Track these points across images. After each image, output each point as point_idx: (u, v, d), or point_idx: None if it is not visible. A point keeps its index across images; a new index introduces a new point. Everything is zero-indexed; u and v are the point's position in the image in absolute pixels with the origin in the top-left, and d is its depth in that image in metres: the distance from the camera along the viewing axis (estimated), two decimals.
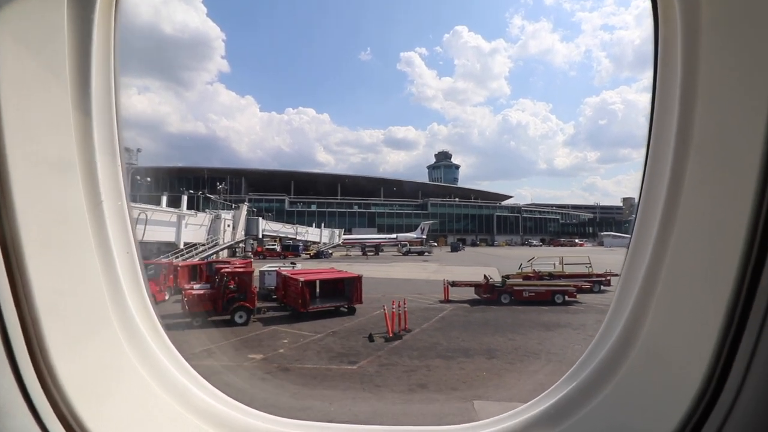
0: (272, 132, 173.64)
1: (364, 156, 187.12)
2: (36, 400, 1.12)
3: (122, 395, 1.34)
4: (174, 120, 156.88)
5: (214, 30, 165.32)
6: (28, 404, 1.11)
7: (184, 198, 29.25)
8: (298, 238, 54.30)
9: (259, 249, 51.32)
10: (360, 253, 59.90)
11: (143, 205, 25.73)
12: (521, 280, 22.45)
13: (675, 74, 1.10)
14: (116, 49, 1.35)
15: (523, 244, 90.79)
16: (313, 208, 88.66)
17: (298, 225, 54.62)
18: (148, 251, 35.48)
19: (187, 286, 17.58)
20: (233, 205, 45.28)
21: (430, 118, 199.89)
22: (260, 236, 44.25)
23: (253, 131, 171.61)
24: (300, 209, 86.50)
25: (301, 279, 16.34)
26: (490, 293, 19.92)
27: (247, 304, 15.69)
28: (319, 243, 55.49)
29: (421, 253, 58.66)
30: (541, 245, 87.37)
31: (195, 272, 23.88)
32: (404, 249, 60.55)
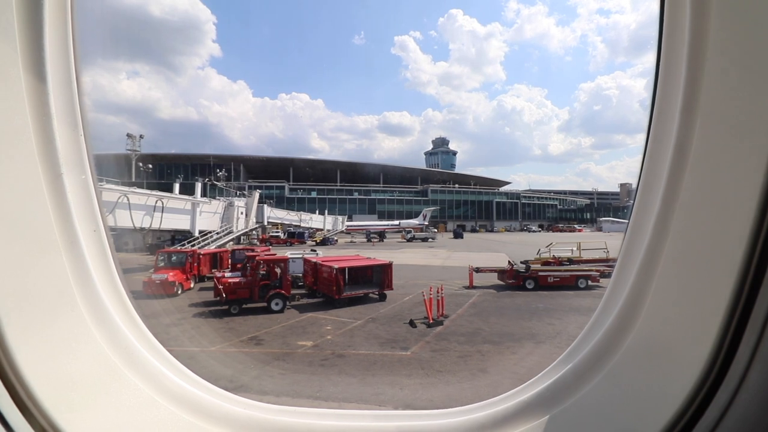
0: (265, 118, 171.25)
1: (358, 142, 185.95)
2: None
3: (88, 381, 1.26)
4: (165, 106, 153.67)
5: (204, 12, 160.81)
6: None
7: (198, 185, 28.77)
8: (302, 225, 54.10)
9: (264, 236, 51.07)
10: (364, 240, 60.03)
11: (160, 193, 25.29)
12: (540, 265, 22.73)
13: (681, 51, 1.04)
14: (74, 12, 1.27)
15: (522, 230, 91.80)
16: (314, 194, 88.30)
17: (301, 212, 54.33)
18: (159, 239, 35.13)
19: (218, 274, 17.46)
20: (237, 193, 44.81)
21: (425, 104, 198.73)
22: (265, 223, 43.98)
23: (245, 117, 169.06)
24: (300, 196, 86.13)
25: (336, 266, 16.31)
26: (514, 279, 20.14)
27: (283, 292, 15.66)
28: (322, 230, 55.42)
29: (425, 240, 59.00)
30: (540, 231, 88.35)
31: (216, 260, 23.75)
32: (408, 235, 60.76)
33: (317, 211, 58.97)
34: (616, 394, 1.21)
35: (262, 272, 15.95)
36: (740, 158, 0.92)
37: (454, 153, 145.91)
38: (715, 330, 0.94)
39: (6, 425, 1.05)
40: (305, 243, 51.12)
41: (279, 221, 51.74)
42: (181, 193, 28.27)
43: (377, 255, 25.53)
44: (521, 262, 21.91)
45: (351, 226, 65.16)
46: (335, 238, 56.37)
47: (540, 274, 20.11)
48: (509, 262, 21.43)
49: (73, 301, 1.24)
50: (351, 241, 58.41)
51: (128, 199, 22.68)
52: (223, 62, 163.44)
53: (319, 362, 10.43)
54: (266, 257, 17.03)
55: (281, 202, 70.15)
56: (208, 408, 1.40)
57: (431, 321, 13.88)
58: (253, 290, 15.52)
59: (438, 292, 14.88)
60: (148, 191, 24.61)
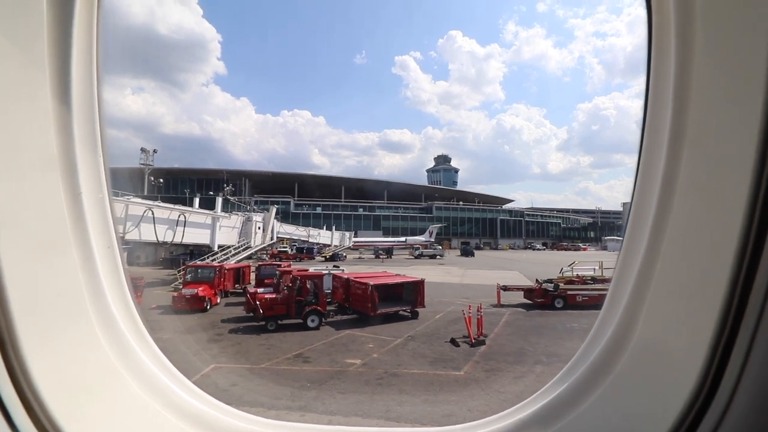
0: (267, 134, 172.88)
1: (359, 159, 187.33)
2: (6, 399, 1.08)
3: (99, 393, 1.30)
4: (168, 121, 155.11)
5: (210, 31, 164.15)
6: None
7: (219, 200, 28.78)
8: (311, 240, 53.91)
9: (273, 252, 50.77)
10: (372, 256, 59.76)
11: (183, 207, 25.27)
12: (564, 284, 22.66)
13: (668, 75, 1.11)
14: (98, 43, 1.34)
15: (526, 248, 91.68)
16: (318, 210, 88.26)
17: (309, 227, 54.23)
18: (172, 253, 34.86)
19: (251, 290, 17.30)
20: (248, 207, 44.78)
21: (425, 122, 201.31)
22: (275, 239, 43.84)
23: (248, 133, 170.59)
24: (305, 211, 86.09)
25: (371, 283, 16.24)
26: (543, 297, 20.06)
27: (319, 308, 15.53)
28: (330, 245, 55.16)
29: (433, 257, 58.75)
30: (544, 249, 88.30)
31: (239, 275, 23.59)
32: (417, 252, 60.58)
33: (324, 227, 58.77)
34: (614, 410, 1.22)
35: (292, 288, 15.86)
36: (730, 172, 0.97)
37: (456, 170, 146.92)
38: (709, 339, 0.97)
39: (12, 425, 1.08)
40: (314, 258, 50.86)
41: (288, 236, 51.54)
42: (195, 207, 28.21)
43: (391, 271, 25.50)
44: (545, 281, 21.86)
45: (358, 242, 64.90)
46: (344, 254, 56.11)
47: (569, 293, 20.04)
48: (537, 280, 21.37)
49: (85, 311, 1.29)
50: (359, 257, 58.15)
51: (153, 213, 22.65)
52: (227, 80, 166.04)
53: (375, 381, 10.27)
54: (303, 273, 16.94)
55: (287, 218, 69.93)
56: (210, 422, 1.43)
57: (473, 341, 13.75)
58: (290, 306, 15.38)
59: (478, 311, 14.78)
60: (171, 205, 24.59)
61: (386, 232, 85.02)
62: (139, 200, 23.12)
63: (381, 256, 58.68)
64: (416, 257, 58.57)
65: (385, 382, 10.28)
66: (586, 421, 1.26)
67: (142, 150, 49.23)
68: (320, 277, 16.44)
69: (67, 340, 1.23)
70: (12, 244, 1.09)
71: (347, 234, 62.45)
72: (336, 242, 57.51)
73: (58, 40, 1.20)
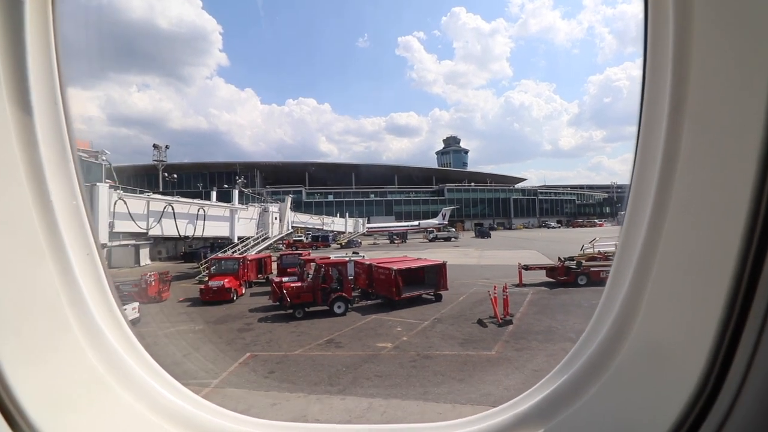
0: (274, 124, 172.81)
1: (366, 144, 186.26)
2: None
3: (85, 402, 1.26)
4: (176, 116, 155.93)
5: (210, 23, 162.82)
6: None
7: (236, 192, 29.08)
8: (325, 228, 54.31)
9: (288, 241, 51.43)
10: (387, 241, 60.00)
11: (201, 201, 25.64)
12: (586, 261, 22.43)
13: (666, 39, 1.01)
14: (57, 41, 1.27)
15: (540, 227, 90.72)
16: (330, 198, 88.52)
17: (324, 216, 54.60)
18: (191, 247, 35.48)
19: (276, 279, 17.61)
20: (261, 198, 45.21)
21: (432, 104, 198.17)
22: (290, 228, 44.31)
23: (255, 124, 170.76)
24: (317, 200, 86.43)
25: (394, 268, 16.33)
26: (566, 275, 19.93)
27: (345, 294, 15.73)
28: (344, 232, 55.52)
29: (447, 239, 58.68)
30: (559, 227, 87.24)
31: (261, 265, 23.99)
32: (431, 235, 60.55)
33: (338, 214, 59.06)
34: (614, 404, 1.19)
35: (310, 275, 16.08)
36: (731, 157, 0.90)
37: (466, 151, 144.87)
38: (713, 334, 0.92)
39: None
40: (329, 246, 51.32)
41: (302, 225, 52.06)
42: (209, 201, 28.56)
43: (394, 255, 25.62)
44: (566, 259, 21.67)
45: (372, 228, 65.13)
46: (359, 240, 56.46)
47: (592, 269, 19.84)
48: (559, 258, 21.20)
49: (67, 324, 1.26)
50: (374, 243, 58.41)
51: (173, 209, 23.02)
52: (231, 71, 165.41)
53: (409, 364, 10.42)
54: (327, 261, 17.13)
55: (299, 207, 70.36)
56: (200, 423, 1.41)
57: (500, 321, 13.79)
58: (316, 294, 15.62)
59: (503, 291, 14.77)
60: (190, 200, 24.95)
61: (398, 217, 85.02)
62: (159, 196, 23.47)
63: (396, 241, 58.86)
64: (431, 240, 58.59)
65: (419, 364, 10.42)
66: (584, 416, 1.24)
67: (155, 146, 49.69)
68: (344, 264, 16.61)
69: (47, 351, 1.21)
70: None
71: (360, 220, 62.75)
72: (350, 229, 57.87)
73: (9, 42, 1.16)
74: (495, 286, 15.25)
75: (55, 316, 1.24)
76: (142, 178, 51.46)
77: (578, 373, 1.29)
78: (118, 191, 20.03)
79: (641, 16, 1.15)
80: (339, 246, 51.54)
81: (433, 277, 18.14)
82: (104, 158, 23.40)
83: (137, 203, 21.08)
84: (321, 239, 52.77)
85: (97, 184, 18.70)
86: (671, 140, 1.02)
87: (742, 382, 0.88)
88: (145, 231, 21.47)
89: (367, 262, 18.81)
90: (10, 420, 1.08)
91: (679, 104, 0.99)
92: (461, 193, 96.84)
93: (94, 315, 1.34)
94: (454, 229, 69.16)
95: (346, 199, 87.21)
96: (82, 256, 1.34)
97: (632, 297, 1.15)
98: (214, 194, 28.54)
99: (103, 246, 19.74)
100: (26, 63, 1.19)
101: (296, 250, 39.27)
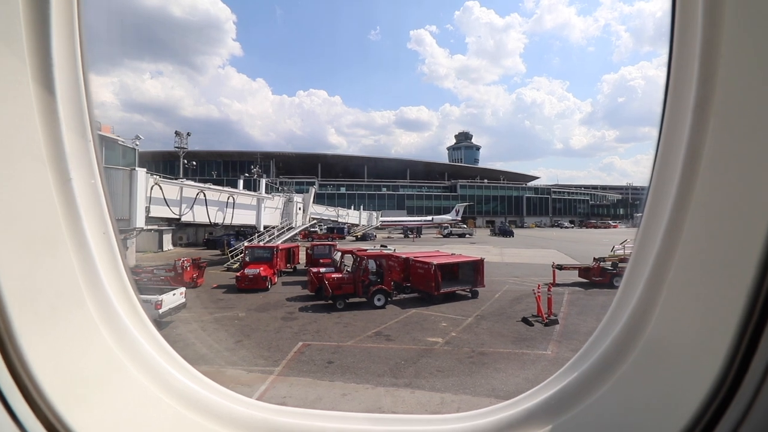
0: (284, 115, 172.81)
1: (375, 138, 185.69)
2: (6, 390, 1.07)
3: (100, 381, 1.29)
4: (188, 104, 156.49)
5: (224, 12, 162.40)
6: None
7: (262, 181, 29.12)
8: (340, 220, 54.39)
9: (303, 233, 51.59)
10: (401, 236, 59.97)
11: (231, 189, 25.70)
12: (620, 263, 22.19)
13: (695, 36, 0.98)
14: (81, 25, 1.28)
15: (553, 226, 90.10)
16: (342, 190, 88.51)
17: (339, 208, 54.62)
18: (212, 234, 35.56)
19: (314, 270, 17.62)
20: (285, 188, 45.26)
21: (443, 98, 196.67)
22: (308, 219, 44.41)
23: (265, 114, 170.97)
24: (330, 192, 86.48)
25: (434, 263, 16.26)
26: (601, 276, 19.74)
27: (385, 288, 15.70)
28: (358, 225, 55.50)
29: (462, 236, 58.49)
30: (572, 227, 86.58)
31: (290, 255, 24.06)
32: (446, 231, 60.39)
33: (353, 207, 58.98)
34: (625, 403, 1.17)
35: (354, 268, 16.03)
36: (756, 158, 0.86)
37: (478, 148, 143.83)
38: (730, 338, 0.89)
39: (14, 418, 1.07)
40: (345, 238, 51.39)
41: (318, 216, 52.13)
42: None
43: (422, 250, 25.50)
44: (595, 259, 21.46)
45: (385, 221, 65.04)
46: (374, 234, 56.47)
47: None
48: (594, 258, 21.00)
49: (82, 299, 1.28)
50: (388, 236, 58.41)
51: (205, 195, 23.10)
52: (243, 61, 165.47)
53: (467, 360, 10.38)
54: (366, 253, 17.10)
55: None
56: (211, 407, 1.43)
57: (545, 320, 13.69)
58: (357, 286, 15.61)
59: (548, 290, 14.64)
60: (220, 188, 25.01)
61: (410, 212, 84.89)
62: (192, 183, 23.55)
63: (410, 235, 58.77)
64: (445, 236, 58.46)
65: (477, 360, 10.37)
66: (594, 414, 1.22)
67: (177, 133, 49.65)
68: (386, 257, 16.54)
69: (64, 330, 1.23)
70: (2, 235, 1.09)
71: (375, 214, 62.65)
72: (364, 222, 57.82)
73: (35, 24, 1.17)
74: (539, 285, 15.12)
75: (72, 292, 1.26)
76: (158, 164, 51.67)
77: (590, 370, 1.28)
78: (154, 176, 20.12)
79: (669, 11, 1.13)
80: (355, 238, 51.57)
81: (469, 273, 18.07)
82: (137, 143, 23.46)
83: (171, 189, 21.18)
84: (336, 231, 52.82)
85: (136, 168, 18.77)
86: (695, 139, 0.99)
87: (757, 390, 0.86)
88: (178, 217, 21.57)
89: (403, 256, 18.74)
90: (25, 392, 1.10)
91: (704, 102, 0.97)
92: (474, 189, 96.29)
93: (109, 294, 1.36)
94: (466, 226, 68.88)
95: (359, 192, 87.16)
96: (99, 235, 1.36)
97: (647, 297, 1.14)
98: (240, 183, 28.58)
99: (140, 230, 19.90)
100: (50, 44, 1.20)
101: (312, 241, 39.39)
